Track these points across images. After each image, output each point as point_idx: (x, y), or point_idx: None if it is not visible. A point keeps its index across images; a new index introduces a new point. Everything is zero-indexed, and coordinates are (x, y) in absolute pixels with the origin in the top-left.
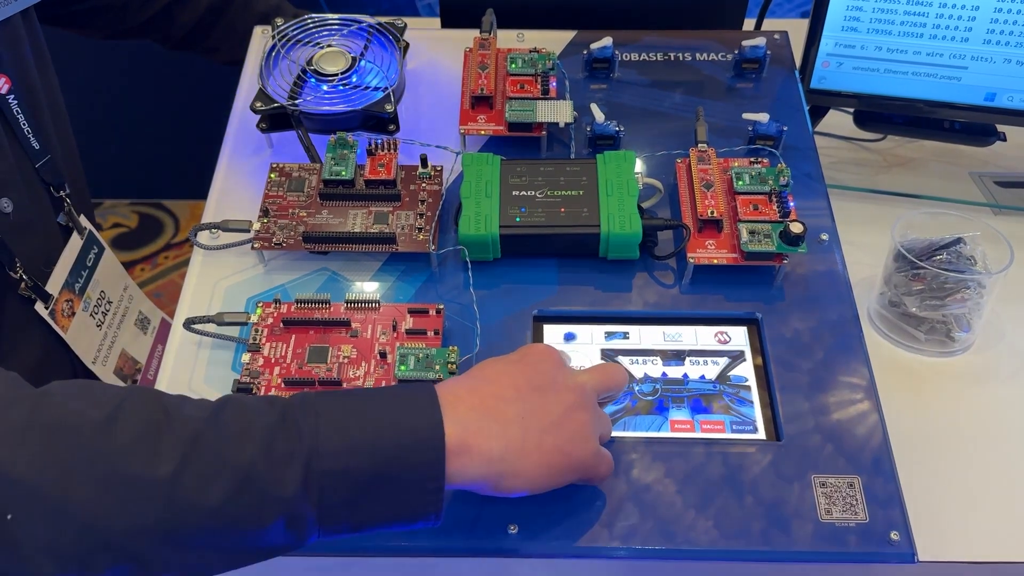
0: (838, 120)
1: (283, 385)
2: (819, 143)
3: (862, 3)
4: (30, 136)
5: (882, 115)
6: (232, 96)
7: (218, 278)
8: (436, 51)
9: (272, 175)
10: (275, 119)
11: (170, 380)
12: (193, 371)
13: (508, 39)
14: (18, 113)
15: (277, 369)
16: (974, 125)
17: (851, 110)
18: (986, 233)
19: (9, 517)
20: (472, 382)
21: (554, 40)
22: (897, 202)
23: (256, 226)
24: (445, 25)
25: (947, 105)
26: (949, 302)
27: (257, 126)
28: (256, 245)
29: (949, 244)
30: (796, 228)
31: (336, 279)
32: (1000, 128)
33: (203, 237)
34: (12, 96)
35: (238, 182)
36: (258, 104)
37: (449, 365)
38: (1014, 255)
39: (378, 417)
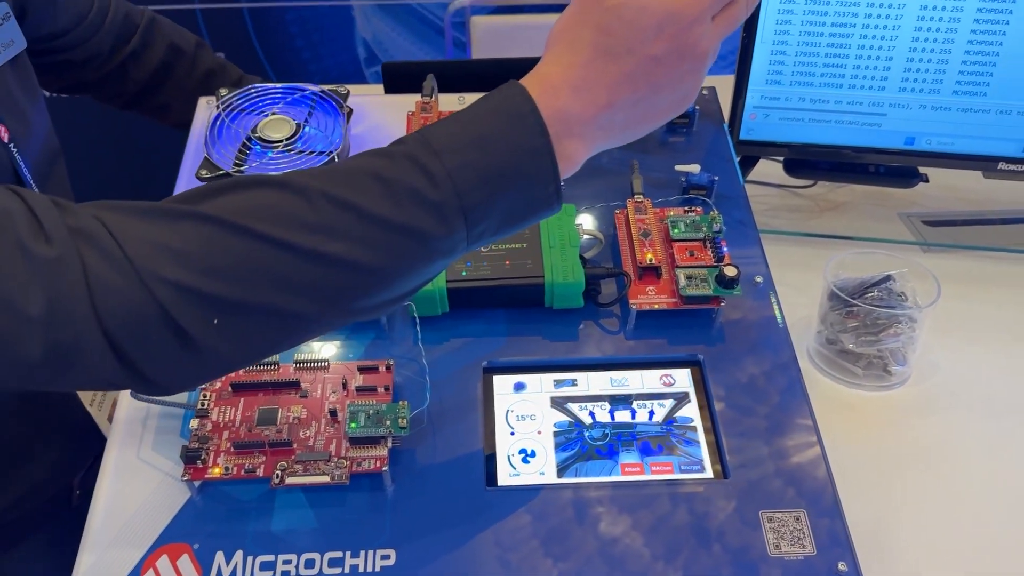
0: (772, 168)
1: (233, 449)
2: (754, 191)
3: (783, 58)
4: (32, 185)
5: (810, 162)
6: (177, 168)
7: None
8: (381, 116)
9: None
10: None
11: (119, 447)
12: (142, 439)
13: (450, 102)
14: (19, 160)
15: (226, 433)
16: (897, 168)
17: (781, 159)
18: (914, 270)
19: None
20: (589, 90)
21: None
22: (831, 244)
23: None
24: (389, 91)
25: (870, 150)
26: (883, 337)
27: None
28: None
29: (879, 282)
30: (730, 271)
31: None
32: (922, 170)
33: None
34: (12, 144)
35: None
36: (203, 172)
37: (400, 419)
38: (941, 289)
39: (495, 154)
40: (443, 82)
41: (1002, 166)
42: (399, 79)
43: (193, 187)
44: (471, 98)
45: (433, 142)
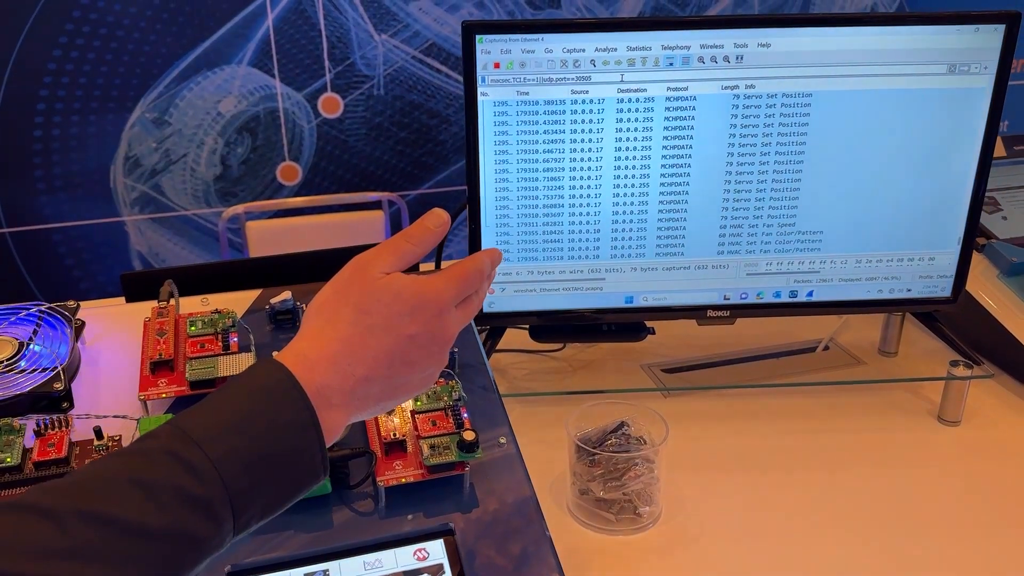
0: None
1: None
2: (512, 359)
3: (508, 237)
4: None
5: (551, 327)
6: None
7: None
8: (118, 325)
9: None
10: None
11: None
12: None
13: (193, 304)
14: None
15: None
16: (626, 324)
17: (527, 327)
18: (645, 414)
19: None
20: (347, 363)
21: (239, 300)
22: (584, 399)
23: None
24: (131, 300)
25: (598, 311)
26: (626, 480)
27: None
28: None
29: (616, 429)
30: (468, 436)
31: None
32: (649, 323)
33: None
34: None
35: None
36: None
37: None
38: (669, 429)
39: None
40: (191, 287)
41: (710, 313)
42: (140, 288)
43: None
44: (215, 298)
45: (192, 432)
